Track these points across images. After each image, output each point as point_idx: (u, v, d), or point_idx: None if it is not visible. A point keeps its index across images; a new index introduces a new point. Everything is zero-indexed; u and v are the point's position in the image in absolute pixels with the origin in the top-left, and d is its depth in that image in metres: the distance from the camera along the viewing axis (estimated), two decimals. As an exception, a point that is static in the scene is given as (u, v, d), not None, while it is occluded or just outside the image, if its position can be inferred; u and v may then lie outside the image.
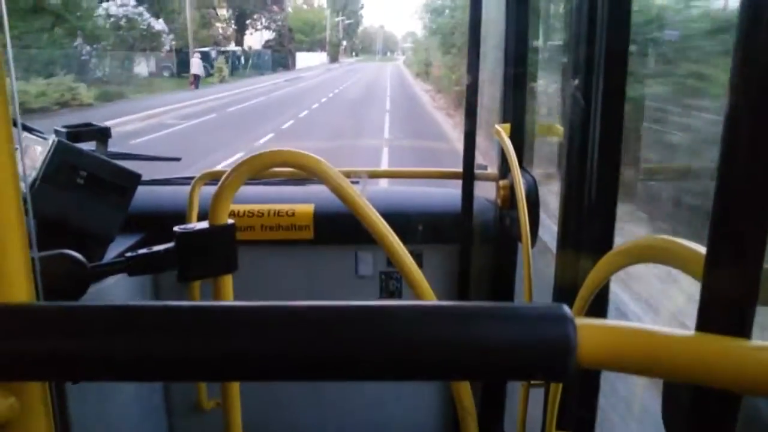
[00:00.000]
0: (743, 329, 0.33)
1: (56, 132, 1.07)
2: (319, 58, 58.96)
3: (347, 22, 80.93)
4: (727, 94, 0.32)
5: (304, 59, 48.74)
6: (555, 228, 0.89)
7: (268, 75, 32.23)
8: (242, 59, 32.51)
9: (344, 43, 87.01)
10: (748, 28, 0.30)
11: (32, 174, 0.98)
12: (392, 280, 1.40)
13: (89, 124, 1.14)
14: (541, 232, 1.15)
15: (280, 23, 43.24)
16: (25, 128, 1.08)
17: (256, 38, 44.00)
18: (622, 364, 0.31)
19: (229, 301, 0.49)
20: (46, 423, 0.40)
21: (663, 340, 0.31)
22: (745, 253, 0.32)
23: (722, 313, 0.33)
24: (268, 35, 44.21)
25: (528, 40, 1.28)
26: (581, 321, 0.31)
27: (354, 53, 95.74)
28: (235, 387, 0.86)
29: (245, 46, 39.55)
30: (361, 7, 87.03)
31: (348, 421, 1.49)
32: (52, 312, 0.34)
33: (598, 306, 0.74)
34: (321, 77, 33.37)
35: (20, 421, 0.38)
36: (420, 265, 0.88)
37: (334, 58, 67.58)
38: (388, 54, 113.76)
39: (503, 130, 1.23)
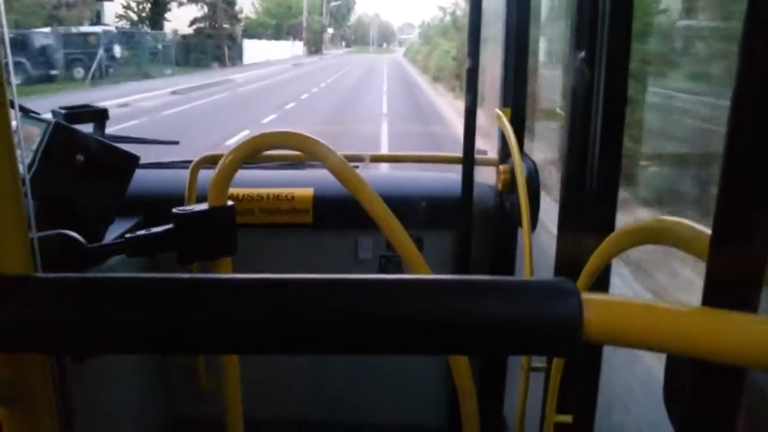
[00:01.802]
0: (749, 304, 0.46)
1: (54, 113, 1.43)
2: (292, 48, 55.98)
3: (334, 3, 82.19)
4: (734, 77, 0.45)
5: (263, 49, 43.96)
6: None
7: (162, 79, 25.86)
8: (115, 50, 25.47)
9: (330, 30, 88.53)
10: (755, 15, 0.44)
11: (30, 155, 1.31)
12: (392, 264, 1.95)
13: (87, 106, 1.53)
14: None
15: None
16: (22, 109, 1.45)
17: (186, 16, 35.99)
18: (629, 338, 0.43)
19: (229, 275, 0.66)
20: (47, 399, 0.57)
21: (669, 314, 0.43)
22: (750, 229, 0.46)
23: (728, 289, 0.48)
24: (201, 12, 36.57)
25: (529, 26, 1.73)
26: (587, 296, 0.43)
27: (344, 43, 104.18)
28: (236, 368, 1.24)
29: (170, 29, 34.16)
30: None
31: (347, 401, 2.04)
32: (52, 283, 0.47)
33: (600, 288, 0.98)
34: (264, 83, 26.57)
35: (22, 397, 0.55)
36: (420, 249, 1.20)
37: (315, 49, 66.80)
38: (384, 45, 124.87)
39: (504, 115, 1.67)
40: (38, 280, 0.50)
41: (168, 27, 35.05)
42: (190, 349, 0.52)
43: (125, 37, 27.85)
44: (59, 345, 0.52)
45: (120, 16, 33.03)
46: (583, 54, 1.03)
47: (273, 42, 49.69)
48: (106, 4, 32.64)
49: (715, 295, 0.49)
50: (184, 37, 35.16)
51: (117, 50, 25.86)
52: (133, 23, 32.65)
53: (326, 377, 2.00)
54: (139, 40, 28.58)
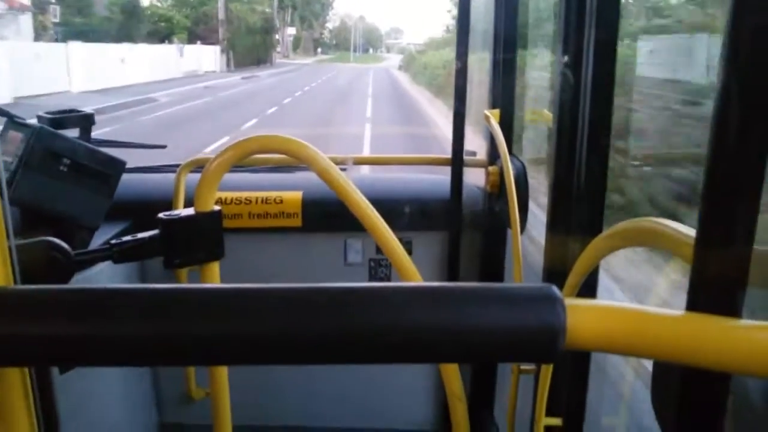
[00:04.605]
0: (733, 309, 0.47)
1: (39, 118, 1.45)
2: (181, 60, 30.65)
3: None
4: (717, 77, 0.45)
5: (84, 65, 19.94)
6: None
7: None
8: None
9: (291, 31, 68.12)
10: (737, 13, 0.45)
11: (14, 161, 1.32)
12: (381, 268, 1.97)
13: (73, 111, 1.54)
14: None
15: None
16: (6, 114, 1.46)
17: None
18: (612, 344, 0.44)
19: (215, 284, 0.67)
20: (27, 412, 0.56)
21: (653, 319, 0.44)
22: (735, 233, 0.47)
23: (713, 293, 0.48)
24: None
25: (517, 26, 1.75)
26: (570, 301, 0.44)
27: (318, 49, 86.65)
28: (224, 375, 1.23)
29: None
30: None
31: (337, 408, 2.04)
32: (32, 296, 0.47)
33: (588, 290, 1.00)
34: None
35: (2, 407, 0.55)
36: (409, 252, 1.24)
37: (257, 58, 42.35)
38: (370, 51, 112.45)
39: (492, 116, 1.69)
40: (17, 293, 0.49)
41: None
42: (177, 362, 0.51)
43: None
44: (38, 360, 0.51)
45: None
46: (568, 58, 1.06)
47: (141, 47, 26.95)
48: None
49: (700, 298, 0.50)
50: None
51: None
52: None
53: (316, 383, 2.02)
54: None
